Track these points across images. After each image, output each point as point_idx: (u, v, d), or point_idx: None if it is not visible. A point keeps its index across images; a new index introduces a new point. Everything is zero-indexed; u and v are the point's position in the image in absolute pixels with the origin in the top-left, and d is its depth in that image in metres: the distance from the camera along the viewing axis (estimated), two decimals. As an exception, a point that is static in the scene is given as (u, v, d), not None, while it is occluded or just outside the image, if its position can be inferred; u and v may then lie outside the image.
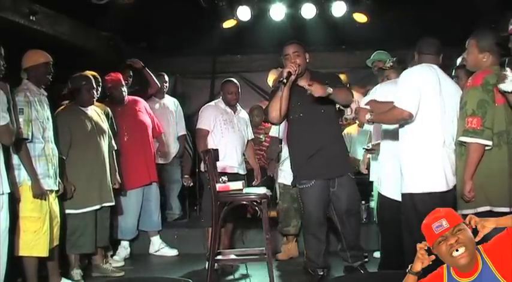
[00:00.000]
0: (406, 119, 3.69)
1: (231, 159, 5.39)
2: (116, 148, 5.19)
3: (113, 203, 5.04)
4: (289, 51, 4.35)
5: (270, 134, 5.83)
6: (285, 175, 5.41)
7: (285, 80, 4.15)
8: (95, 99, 5.02)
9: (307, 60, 4.41)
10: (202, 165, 5.44)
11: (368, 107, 4.08)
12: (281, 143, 5.63)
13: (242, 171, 5.53)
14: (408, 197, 3.82)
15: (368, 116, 3.86)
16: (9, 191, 3.76)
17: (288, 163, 5.24)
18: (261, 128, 6.61)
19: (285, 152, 5.46)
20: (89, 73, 5.09)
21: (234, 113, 5.56)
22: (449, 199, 3.75)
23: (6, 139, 3.75)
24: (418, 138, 3.75)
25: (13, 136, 3.79)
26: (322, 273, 4.54)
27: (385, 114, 3.84)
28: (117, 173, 5.16)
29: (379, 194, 4.48)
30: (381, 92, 4.50)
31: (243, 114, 5.72)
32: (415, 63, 3.90)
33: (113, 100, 5.63)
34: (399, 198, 4.11)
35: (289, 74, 4.15)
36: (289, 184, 5.29)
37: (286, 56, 4.35)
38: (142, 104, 5.89)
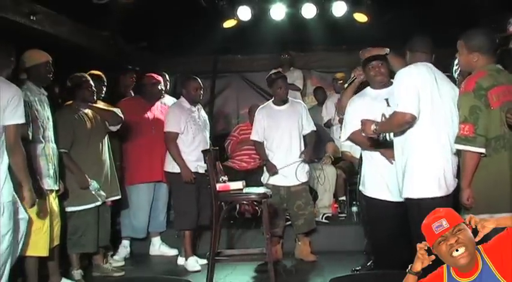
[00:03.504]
0: (409, 121, 3.54)
1: (201, 159, 5.30)
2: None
3: (115, 198, 5.07)
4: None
5: (252, 138, 5.62)
6: (274, 176, 5.40)
7: (346, 85, 4.61)
8: (95, 97, 5.07)
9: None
10: (168, 165, 5.40)
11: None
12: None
13: None
14: (413, 203, 3.66)
15: (373, 127, 3.75)
16: (9, 200, 3.66)
17: (276, 164, 5.35)
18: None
19: (268, 153, 5.46)
20: (95, 73, 5.18)
21: (198, 111, 5.53)
22: (449, 204, 3.69)
23: (12, 140, 3.66)
24: (418, 141, 3.62)
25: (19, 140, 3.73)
26: None
27: (387, 122, 3.75)
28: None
29: (364, 195, 4.38)
30: (353, 108, 4.34)
31: (204, 112, 5.69)
32: (406, 63, 3.78)
33: (149, 96, 5.80)
34: (383, 197, 4.14)
35: (354, 78, 4.53)
36: (280, 184, 5.30)
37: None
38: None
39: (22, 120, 3.70)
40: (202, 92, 5.52)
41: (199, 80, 5.52)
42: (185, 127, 5.35)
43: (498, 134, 3.38)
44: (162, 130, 5.53)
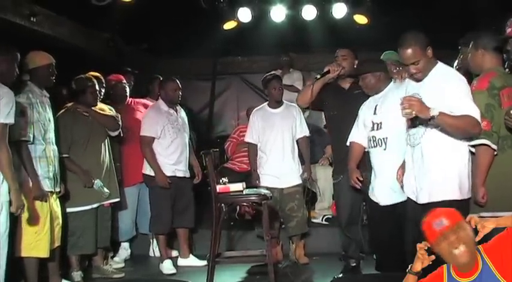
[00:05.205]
0: (477, 133, 3.33)
1: (180, 163, 5.31)
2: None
3: (114, 200, 5.04)
4: (339, 53, 4.75)
5: (247, 140, 5.57)
6: (267, 178, 5.38)
7: (318, 76, 4.64)
8: (98, 101, 5.05)
9: (355, 67, 4.70)
10: (146, 168, 5.35)
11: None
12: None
13: (188, 175, 5.48)
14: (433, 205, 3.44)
15: (434, 112, 3.25)
16: (6, 199, 3.64)
17: (269, 166, 5.33)
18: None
19: (261, 155, 5.45)
20: (93, 74, 5.13)
21: (176, 113, 5.47)
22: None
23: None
24: (442, 144, 3.49)
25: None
26: None
27: (459, 119, 3.33)
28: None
29: (369, 198, 4.41)
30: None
31: (183, 113, 5.61)
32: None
33: (115, 98, 5.64)
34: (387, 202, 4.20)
35: (328, 72, 4.58)
36: (273, 186, 5.27)
37: (336, 57, 4.73)
38: (145, 106, 5.86)
39: (9, 120, 3.62)
40: (180, 93, 5.43)
41: (177, 80, 5.43)
42: (162, 131, 5.28)
43: (506, 134, 3.36)
44: (138, 132, 5.38)
